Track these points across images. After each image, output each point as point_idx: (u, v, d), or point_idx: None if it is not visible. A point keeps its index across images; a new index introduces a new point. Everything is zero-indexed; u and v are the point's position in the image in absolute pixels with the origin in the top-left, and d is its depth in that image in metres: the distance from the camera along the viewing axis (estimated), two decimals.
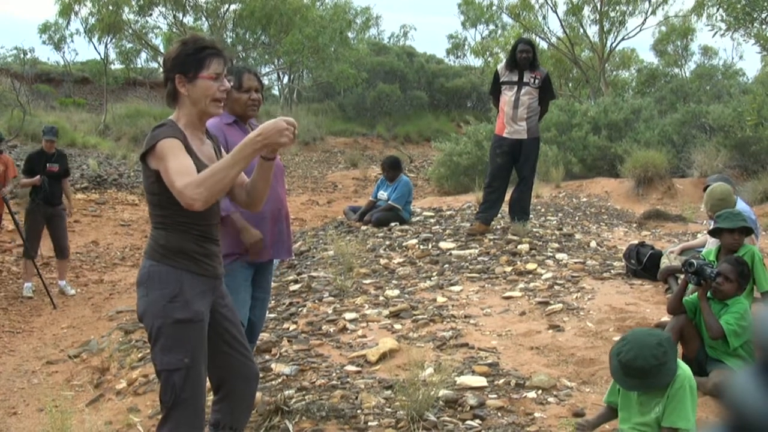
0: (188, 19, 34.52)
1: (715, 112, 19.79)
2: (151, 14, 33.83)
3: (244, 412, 4.21)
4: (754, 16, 16.78)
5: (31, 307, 11.03)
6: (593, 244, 10.33)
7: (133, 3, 32.48)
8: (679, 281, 6.05)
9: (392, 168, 12.40)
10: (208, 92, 3.74)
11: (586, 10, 34.86)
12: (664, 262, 8.16)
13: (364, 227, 11.91)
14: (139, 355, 7.56)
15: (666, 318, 6.42)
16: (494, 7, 39.40)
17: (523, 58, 10.19)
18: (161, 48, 36.04)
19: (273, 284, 7.32)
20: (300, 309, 7.97)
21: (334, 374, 5.95)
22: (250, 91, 5.18)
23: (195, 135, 3.80)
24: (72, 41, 49.83)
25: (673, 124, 20.76)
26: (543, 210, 13.46)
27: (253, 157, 3.59)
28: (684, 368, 4.38)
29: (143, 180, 3.78)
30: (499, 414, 5.05)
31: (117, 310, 10.41)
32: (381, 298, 8.10)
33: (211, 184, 3.44)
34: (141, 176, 20.03)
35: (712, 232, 6.57)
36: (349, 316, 7.44)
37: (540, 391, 5.43)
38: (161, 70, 3.91)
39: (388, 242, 10.63)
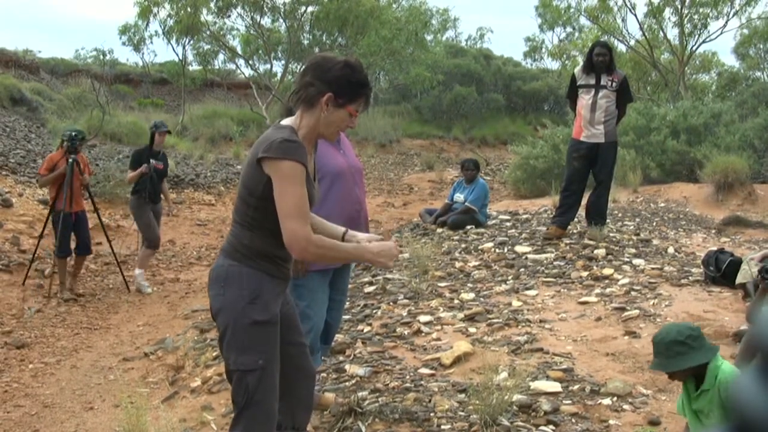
0: (266, 21, 34.82)
1: None
2: (229, 16, 34.17)
3: (304, 412, 4.22)
4: None
5: (108, 304, 11.17)
6: (671, 250, 10.17)
7: (212, 5, 32.85)
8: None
9: (476, 168, 12.44)
10: (342, 124, 3.77)
11: (667, 12, 34.41)
12: (744, 269, 8.02)
13: (439, 230, 11.91)
14: (214, 354, 7.62)
15: (745, 326, 6.32)
16: (572, 10, 39.02)
17: (599, 61, 10.09)
18: (239, 49, 36.42)
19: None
20: (374, 311, 7.98)
21: (407, 377, 5.95)
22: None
23: (309, 149, 3.79)
24: (151, 42, 50.80)
25: (755, 129, 20.33)
26: (620, 215, 13.30)
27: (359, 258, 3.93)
28: (727, 371, 4.24)
29: (247, 177, 3.72)
30: (573, 420, 5.00)
31: (192, 309, 10.51)
32: (456, 301, 8.07)
33: (323, 255, 3.66)
34: (216, 176, 20.46)
35: None
36: (423, 318, 7.43)
37: (615, 398, 5.38)
38: (307, 72, 3.78)
39: (463, 245, 10.62)
